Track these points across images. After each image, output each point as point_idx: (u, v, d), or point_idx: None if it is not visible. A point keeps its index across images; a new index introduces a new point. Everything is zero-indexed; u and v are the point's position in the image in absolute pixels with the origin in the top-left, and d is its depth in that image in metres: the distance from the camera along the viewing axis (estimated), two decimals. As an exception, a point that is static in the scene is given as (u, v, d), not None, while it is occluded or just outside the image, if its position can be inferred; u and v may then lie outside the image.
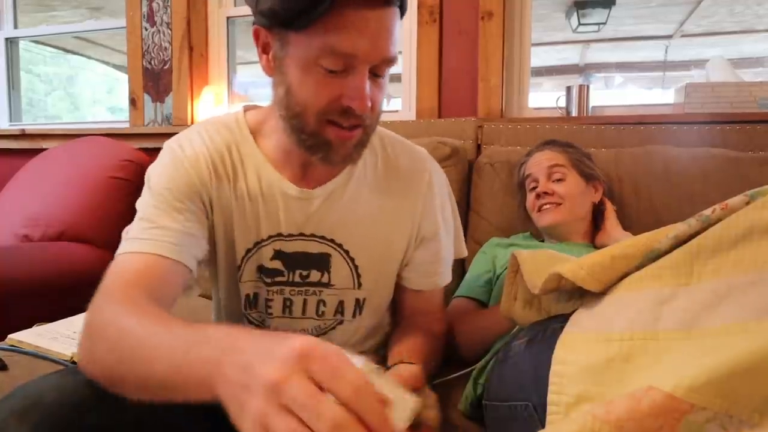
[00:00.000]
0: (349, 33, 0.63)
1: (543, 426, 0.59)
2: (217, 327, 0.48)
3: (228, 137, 0.80)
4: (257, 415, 0.37)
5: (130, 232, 0.73)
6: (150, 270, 0.68)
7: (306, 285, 0.84)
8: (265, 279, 0.83)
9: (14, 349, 0.99)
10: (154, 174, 0.78)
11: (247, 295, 0.85)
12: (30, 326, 1.08)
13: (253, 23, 0.71)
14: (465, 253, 0.99)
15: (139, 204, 0.77)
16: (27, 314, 1.18)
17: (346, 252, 0.83)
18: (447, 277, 0.93)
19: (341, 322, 0.87)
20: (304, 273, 0.83)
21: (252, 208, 0.80)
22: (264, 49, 0.71)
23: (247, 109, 0.84)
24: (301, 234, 0.81)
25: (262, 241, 0.81)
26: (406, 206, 0.85)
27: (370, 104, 0.67)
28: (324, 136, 0.70)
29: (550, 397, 0.57)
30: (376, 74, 0.68)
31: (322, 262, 0.83)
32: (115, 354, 0.56)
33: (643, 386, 0.45)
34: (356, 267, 0.84)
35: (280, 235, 0.81)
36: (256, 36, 0.71)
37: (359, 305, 0.86)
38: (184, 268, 0.72)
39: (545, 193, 1.17)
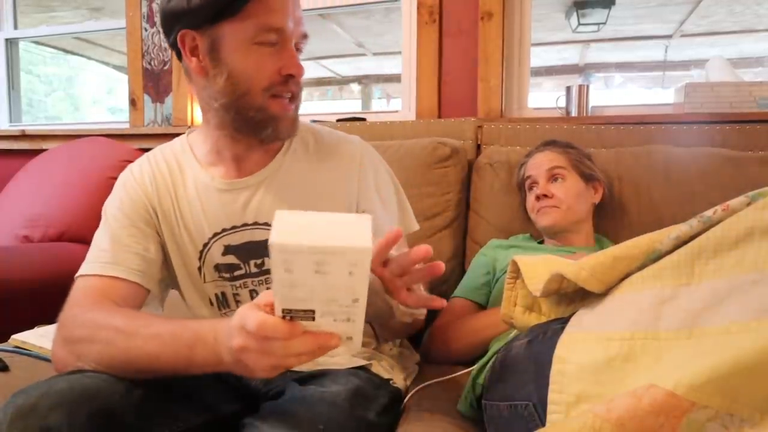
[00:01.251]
0: (276, 12, 0.76)
1: (543, 425, 0.59)
2: (200, 323, 0.63)
3: (170, 156, 0.89)
4: (259, 365, 0.55)
5: (89, 253, 0.82)
6: (103, 289, 0.77)
7: (264, 274, 0.87)
8: (224, 275, 0.86)
9: (18, 351, 0.99)
10: (110, 199, 0.88)
11: (216, 296, 0.88)
12: (31, 327, 1.08)
13: (177, 32, 0.77)
14: (416, 227, 1.00)
15: (98, 231, 0.85)
16: (27, 315, 1.18)
17: None
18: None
19: None
20: (259, 262, 0.86)
21: (193, 212, 0.86)
22: (192, 53, 0.79)
23: (191, 131, 0.93)
24: (244, 224, 0.86)
25: (210, 240, 0.86)
26: (342, 184, 0.90)
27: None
28: (270, 111, 0.79)
29: (551, 396, 0.57)
30: (297, 49, 0.81)
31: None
32: (111, 352, 0.65)
33: (644, 384, 0.46)
34: None
35: (224, 230, 0.86)
36: (182, 42, 0.78)
37: None
38: (136, 287, 0.80)
39: (544, 195, 1.17)
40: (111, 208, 0.86)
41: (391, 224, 0.94)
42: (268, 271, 0.86)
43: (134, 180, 0.87)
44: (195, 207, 0.85)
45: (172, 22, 0.77)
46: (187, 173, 0.87)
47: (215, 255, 0.86)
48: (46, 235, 1.70)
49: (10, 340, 1.03)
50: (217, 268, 0.86)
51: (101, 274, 0.78)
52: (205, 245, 0.86)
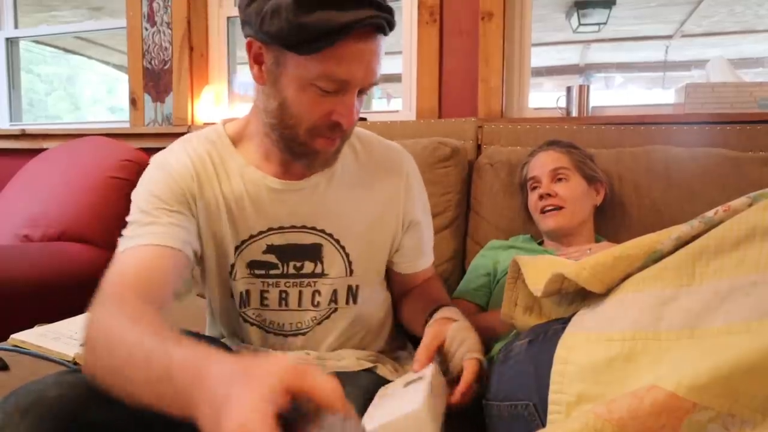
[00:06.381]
0: (346, 63, 0.70)
1: (544, 425, 0.59)
2: (186, 355, 0.49)
3: (209, 147, 0.85)
4: None
5: (124, 235, 0.77)
6: (149, 262, 0.71)
7: (301, 277, 0.86)
8: (257, 272, 0.86)
9: (17, 350, 1.00)
10: (141, 187, 0.82)
11: (240, 293, 0.87)
12: (31, 326, 1.08)
13: (246, 35, 0.74)
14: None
15: (129, 217, 0.80)
16: (27, 314, 1.18)
17: (337, 241, 0.86)
18: (430, 258, 1.01)
19: (335, 310, 0.89)
20: (298, 264, 0.86)
21: (238, 207, 0.83)
22: (256, 60, 0.75)
23: (225, 122, 0.89)
24: (292, 226, 0.85)
25: (252, 237, 0.84)
26: (389, 194, 0.91)
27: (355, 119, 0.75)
28: (312, 146, 0.77)
29: (552, 397, 0.57)
30: (360, 92, 0.76)
31: (314, 252, 0.86)
32: (110, 365, 0.57)
33: (645, 385, 0.46)
34: (347, 255, 0.87)
35: (270, 229, 0.84)
36: (249, 47, 0.75)
37: (352, 293, 0.89)
38: (183, 255, 0.76)
39: (548, 194, 1.17)
40: (145, 193, 0.80)
41: (429, 233, 0.99)
42: (305, 275, 0.86)
43: (171, 168, 0.82)
44: (243, 202, 0.83)
45: (245, 23, 0.74)
46: (230, 167, 0.84)
47: (255, 252, 0.85)
48: (46, 235, 1.70)
49: (9, 340, 1.03)
50: (251, 264, 0.85)
51: (149, 243, 0.73)
52: (243, 241, 0.84)
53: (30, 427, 0.55)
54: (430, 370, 0.71)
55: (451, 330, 0.77)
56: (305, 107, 0.73)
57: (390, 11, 0.70)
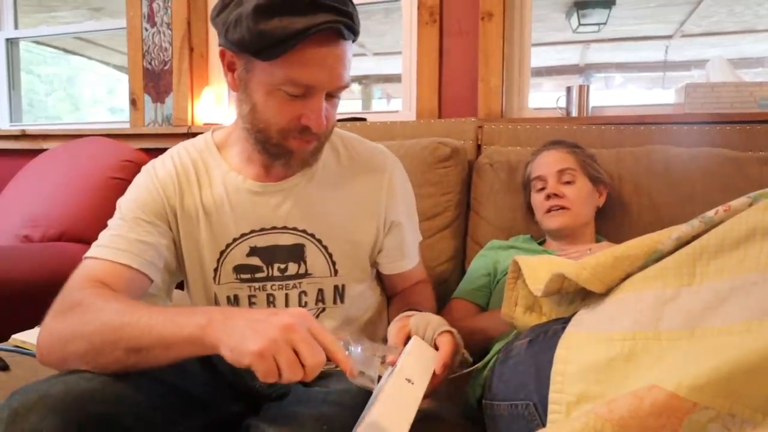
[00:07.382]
0: (309, 67, 0.72)
1: (544, 425, 0.59)
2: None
3: (195, 155, 0.88)
4: (268, 343, 0.55)
5: (99, 237, 0.81)
6: (110, 276, 0.76)
7: (286, 279, 0.87)
8: (243, 277, 0.87)
9: (18, 350, 1.00)
10: (127, 193, 0.86)
11: (228, 298, 0.88)
12: (32, 327, 1.08)
13: (219, 44, 0.77)
14: (420, 237, 1.05)
15: (110, 220, 0.84)
16: (27, 315, 1.18)
17: (319, 241, 0.87)
18: (414, 260, 1.01)
19: (324, 310, 0.90)
20: (282, 266, 0.87)
21: (219, 213, 0.85)
22: (229, 68, 0.78)
23: (214, 129, 0.92)
24: (273, 228, 0.86)
25: (235, 240, 0.86)
26: (370, 194, 0.91)
27: (325, 122, 0.76)
28: (286, 146, 0.78)
29: (552, 396, 0.57)
30: (331, 95, 0.77)
31: (296, 252, 0.87)
32: (105, 331, 0.63)
33: (646, 385, 0.46)
34: (330, 255, 0.88)
35: (252, 231, 0.86)
36: (222, 55, 0.78)
37: (339, 292, 0.90)
38: (140, 276, 0.78)
39: (555, 194, 1.16)
40: (126, 200, 0.84)
41: (413, 236, 1.00)
42: (290, 277, 0.87)
43: (157, 179, 0.85)
44: (222, 207, 0.85)
45: (218, 33, 0.76)
46: (213, 173, 0.86)
47: (238, 256, 0.86)
48: (46, 235, 1.70)
49: (10, 340, 1.03)
50: (237, 269, 0.86)
51: (111, 260, 0.77)
52: (228, 245, 0.86)
53: (36, 423, 0.56)
54: (404, 354, 0.72)
55: (412, 320, 0.80)
56: (274, 111, 0.75)
57: (350, 16, 0.72)
